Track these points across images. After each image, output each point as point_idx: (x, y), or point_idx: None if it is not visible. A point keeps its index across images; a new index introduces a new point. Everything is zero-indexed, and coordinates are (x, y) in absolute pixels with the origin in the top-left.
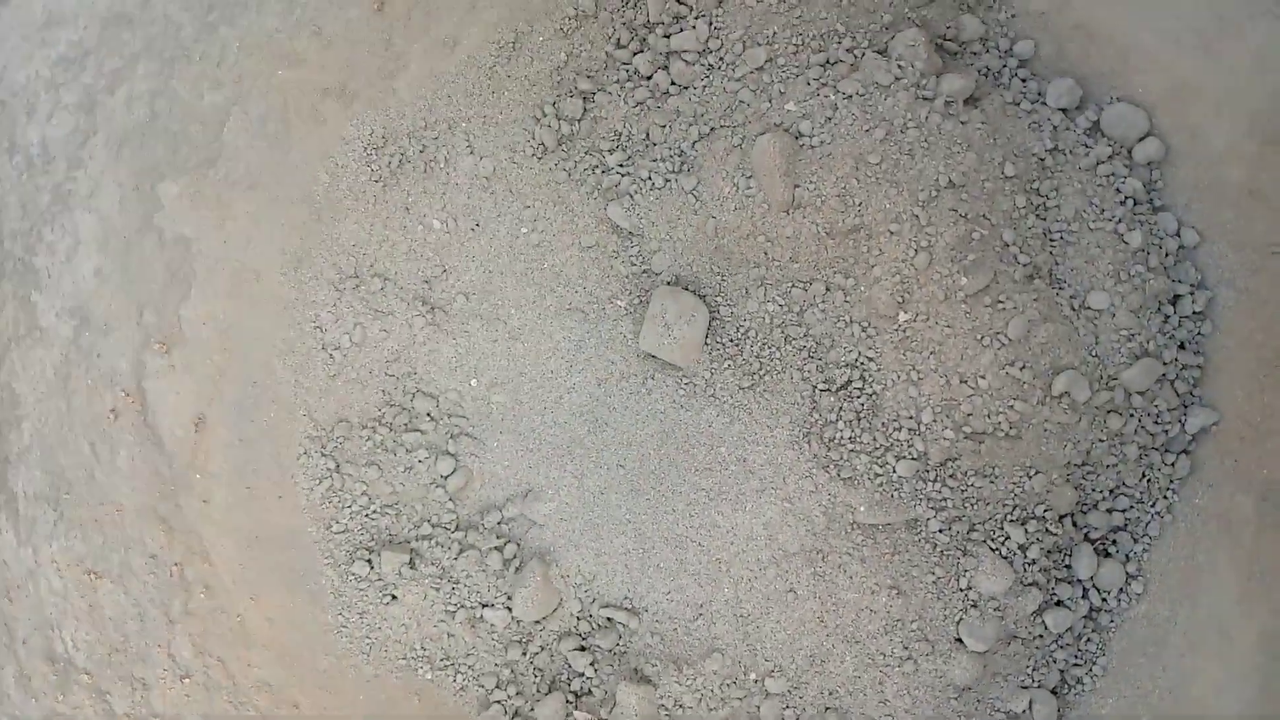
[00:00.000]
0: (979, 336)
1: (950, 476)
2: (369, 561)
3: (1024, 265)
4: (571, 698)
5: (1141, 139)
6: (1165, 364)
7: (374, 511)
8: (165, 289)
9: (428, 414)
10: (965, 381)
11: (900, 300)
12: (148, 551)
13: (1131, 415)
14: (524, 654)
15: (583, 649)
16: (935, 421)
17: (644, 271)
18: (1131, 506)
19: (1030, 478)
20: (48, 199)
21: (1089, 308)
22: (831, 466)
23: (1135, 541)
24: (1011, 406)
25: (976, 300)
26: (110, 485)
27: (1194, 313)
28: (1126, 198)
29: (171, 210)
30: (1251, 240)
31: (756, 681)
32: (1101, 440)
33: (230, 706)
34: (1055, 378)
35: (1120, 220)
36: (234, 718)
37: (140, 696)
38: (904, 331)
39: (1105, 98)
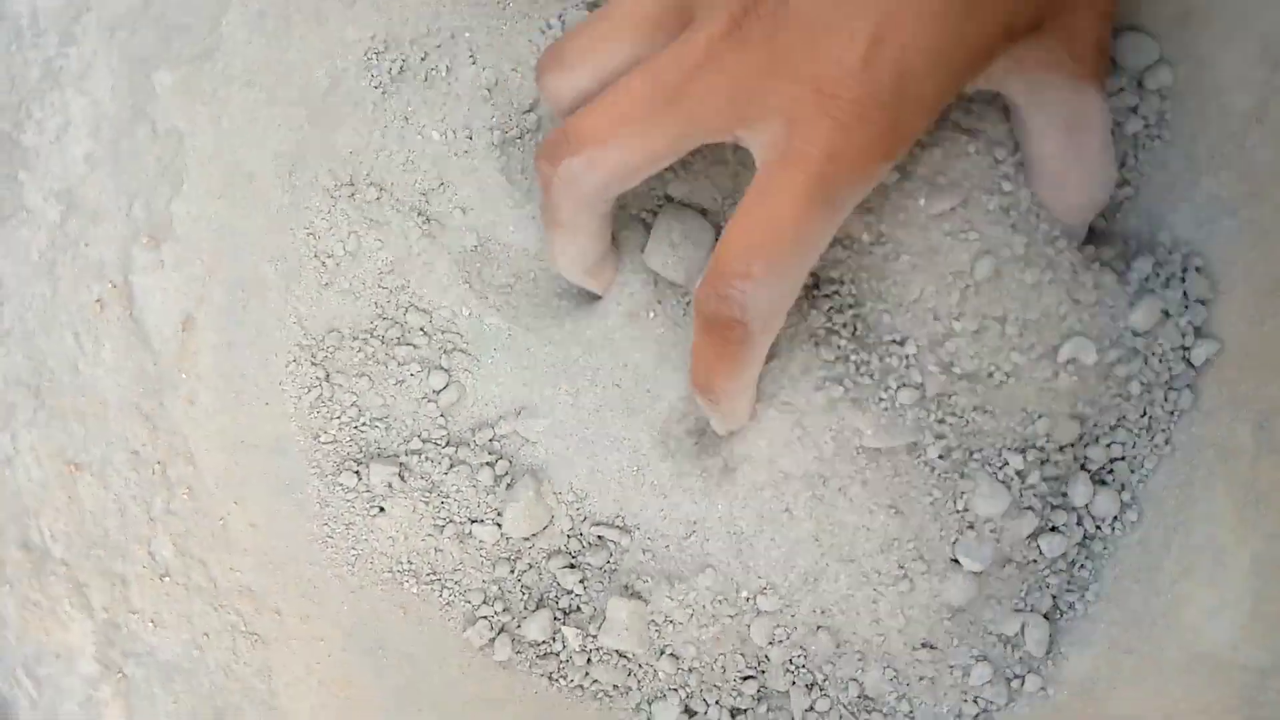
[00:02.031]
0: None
1: (950, 413)
2: (357, 473)
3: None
4: (560, 615)
5: (1150, 67)
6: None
7: (363, 423)
8: (156, 182)
9: (420, 329)
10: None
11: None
12: (130, 448)
13: (1135, 354)
14: (512, 571)
15: (572, 567)
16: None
17: (649, 191)
18: (1131, 440)
19: (1034, 422)
20: (37, 73)
21: None
22: (836, 387)
23: (1133, 472)
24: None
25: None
26: (93, 378)
27: None
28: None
29: (165, 101)
30: (1255, 169)
31: (748, 599)
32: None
33: (210, 609)
34: None
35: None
36: (213, 621)
37: (119, 592)
38: (889, 257)
39: (1115, 26)
